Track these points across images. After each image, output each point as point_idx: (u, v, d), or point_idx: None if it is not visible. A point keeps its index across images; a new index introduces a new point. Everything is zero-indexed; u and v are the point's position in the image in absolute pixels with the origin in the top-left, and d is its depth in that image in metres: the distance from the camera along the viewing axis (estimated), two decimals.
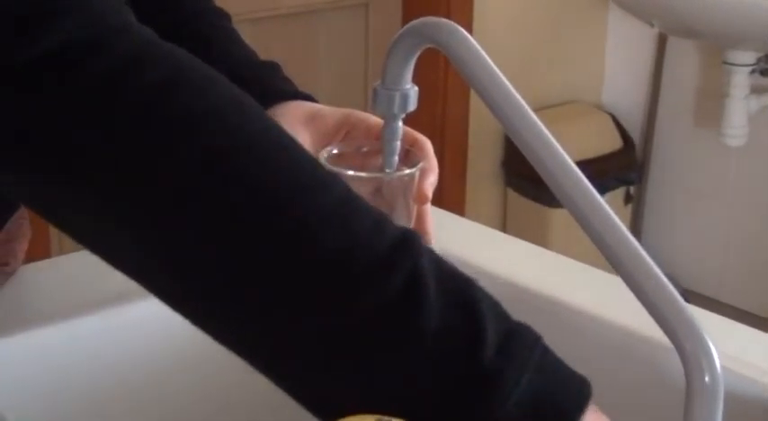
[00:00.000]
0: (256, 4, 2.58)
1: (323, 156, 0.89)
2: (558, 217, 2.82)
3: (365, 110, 3.41)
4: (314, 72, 2.71)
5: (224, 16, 1.09)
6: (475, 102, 2.86)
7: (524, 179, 2.92)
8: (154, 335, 1.05)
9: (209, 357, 1.01)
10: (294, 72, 3.05)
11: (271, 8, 2.62)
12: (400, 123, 0.90)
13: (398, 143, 0.90)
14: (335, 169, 0.86)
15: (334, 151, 0.90)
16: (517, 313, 1.10)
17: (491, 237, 1.26)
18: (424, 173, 0.91)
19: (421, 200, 0.91)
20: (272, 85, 1.00)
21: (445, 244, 1.19)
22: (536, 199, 2.89)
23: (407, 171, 0.89)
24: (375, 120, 0.94)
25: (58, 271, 1.13)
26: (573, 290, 1.09)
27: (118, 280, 1.08)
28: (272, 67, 1.04)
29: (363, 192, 0.85)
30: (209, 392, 1.11)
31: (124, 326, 1.04)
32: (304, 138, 0.92)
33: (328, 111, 0.96)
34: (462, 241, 1.20)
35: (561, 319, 1.07)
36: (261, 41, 2.59)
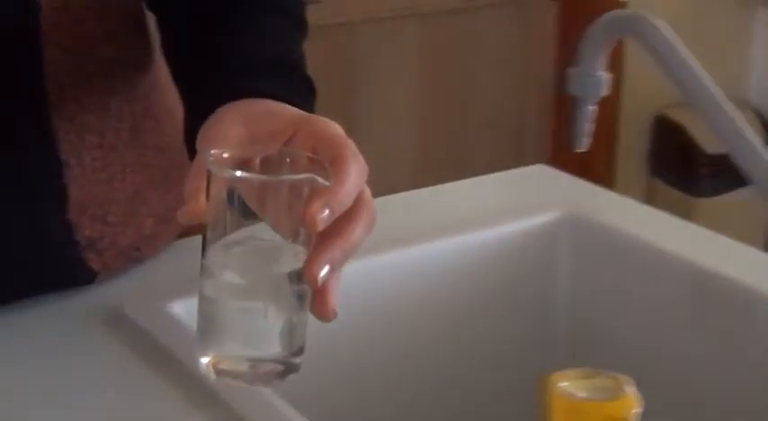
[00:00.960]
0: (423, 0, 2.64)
1: (209, 158, 0.72)
2: (703, 207, 2.86)
3: (523, 103, 3.43)
4: (474, 65, 2.76)
5: (292, 17, 0.99)
6: (626, 90, 2.91)
7: (671, 169, 2.96)
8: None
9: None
10: (455, 65, 3.11)
11: (436, 4, 2.68)
12: (590, 107, 0.98)
13: (590, 125, 0.98)
14: (220, 171, 0.71)
15: (224, 155, 0.73)
16: (670, 283, 1.10)
17: (649, 214, 1.25)
18: (316, 193, 0.70)
19: (305, 222, 0.70)
20: (258, 84, 0.87)
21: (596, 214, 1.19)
22: (681, 189, 2.94)
23: (288, 176, 0.72)
24: (327, 128, 0.77)
25: None
26: (723, 262, 1.05)
27: None
28: (281, 68, 0.92)
29: (251, 196, 0.72)
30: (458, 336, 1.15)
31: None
32: (238, 131, 0.79)
33: (281, 113, 0.81)
34: (616, 215, 1.20)
35: (720, 293, 1.06)
36: (424, 37, 2.66)
